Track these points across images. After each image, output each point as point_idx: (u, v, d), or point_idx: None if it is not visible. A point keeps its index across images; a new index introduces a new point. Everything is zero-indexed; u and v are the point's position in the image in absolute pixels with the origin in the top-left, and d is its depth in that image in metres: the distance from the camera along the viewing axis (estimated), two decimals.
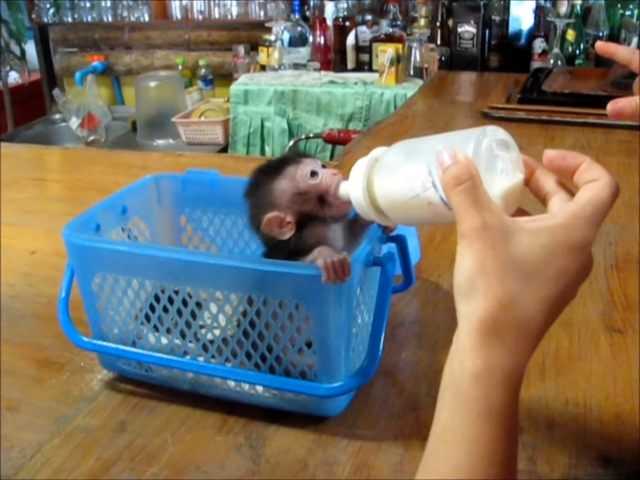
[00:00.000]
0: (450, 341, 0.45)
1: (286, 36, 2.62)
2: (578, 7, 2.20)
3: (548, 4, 2.33)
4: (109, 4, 3.12)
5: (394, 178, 0.50)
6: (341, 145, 2.05)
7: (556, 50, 2.20)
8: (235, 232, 0.84)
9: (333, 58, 2.55)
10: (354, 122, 2.29)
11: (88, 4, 3.13)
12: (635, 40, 2.15)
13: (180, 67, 2.96)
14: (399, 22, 2.50)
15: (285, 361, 0.64)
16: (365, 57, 2.52)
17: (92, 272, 0.69)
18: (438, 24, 2.43)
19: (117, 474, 0.61)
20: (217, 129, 2.56)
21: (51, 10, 3.18)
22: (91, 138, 2.82)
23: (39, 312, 0.89)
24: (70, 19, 3.19)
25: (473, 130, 0.47)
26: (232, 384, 0.68)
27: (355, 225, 0.67)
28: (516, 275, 0.43)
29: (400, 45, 2.30)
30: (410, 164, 0.49)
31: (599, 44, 0.59)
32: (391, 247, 0.69)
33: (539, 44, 2.32)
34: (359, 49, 2.54)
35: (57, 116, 3.03)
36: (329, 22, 2.54)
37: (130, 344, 0.70)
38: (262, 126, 2.41)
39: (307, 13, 2.69)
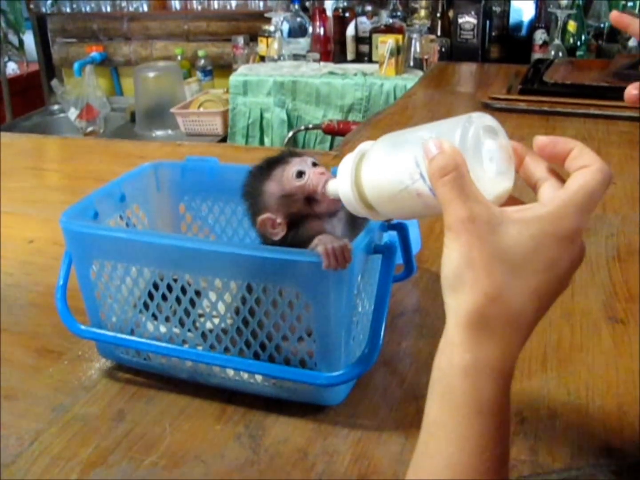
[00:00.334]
0: None
1: (285, 27, 2.61)
2: None
3: None
4: None
5: (382, 171, 0.49)
6: (340, 136, 2.04)
7: (557, 41, 2.19)
8: (234, 220, 0.83)
9: (333, 49, 2.53)
10: (353, 113, 2.28)
11: None
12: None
13: (179, 57, 2.94)
14: (399, 13, 2.49)
15: (285, 350, 0.64)
16: (365, 48, 2.51)
17: (89, 260, 0.68)
18: (438, 14, 2.42)
19: (115, 463, 0.60)
20: (216, 119, 2.55)
21: (49, 1, 3.16)
22: (90, 129, 2.82)
23: (37, 301, 0.88)
24: (68, 9, 3.18)
25: (459, 118, 0.45)
26: (231, 372, 0.67)
27: (357, 217, 0.66)
28: (504, 268, 0.42)
29: (400, 36, 2.29)
30: (398, 155, 0.48)
31: (614, 14, 0.58)
32: (392, 235, 0.69)
33: (539, 35, 2.30)
34: (358, 39, 2.52)
35: (56, 107, 3.02)
36: (329, 13, 2.53)
37: (129, 332, 0.70)
38: (262, 117, 2.40)
39: (307, 3, 2.68)
